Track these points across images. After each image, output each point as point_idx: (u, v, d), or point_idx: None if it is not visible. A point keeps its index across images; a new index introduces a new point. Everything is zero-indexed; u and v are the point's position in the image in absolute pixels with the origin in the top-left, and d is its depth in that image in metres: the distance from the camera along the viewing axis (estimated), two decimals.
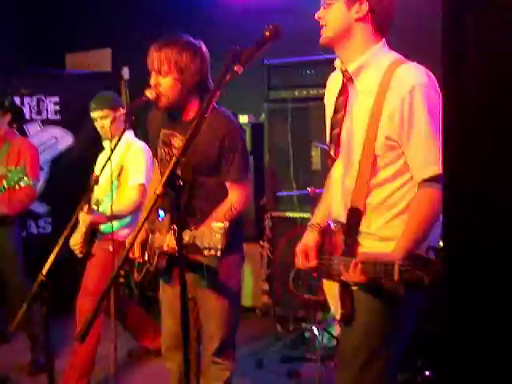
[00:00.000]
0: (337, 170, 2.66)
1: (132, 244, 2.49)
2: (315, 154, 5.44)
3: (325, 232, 2.76)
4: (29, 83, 6.27)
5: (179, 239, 2.34)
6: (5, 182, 4.11)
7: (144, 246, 3.31)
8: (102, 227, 4.32)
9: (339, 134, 2.61)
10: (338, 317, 2.62)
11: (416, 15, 5.10)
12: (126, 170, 4.48)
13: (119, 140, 3.16)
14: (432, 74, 2.46)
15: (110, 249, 4.15)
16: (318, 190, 4.46)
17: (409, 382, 4.17)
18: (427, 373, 4.18)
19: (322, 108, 2.89)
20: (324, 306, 2.73)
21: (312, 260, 2.73)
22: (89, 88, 5.92)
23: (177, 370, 3.43)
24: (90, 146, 5.91)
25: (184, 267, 2.40)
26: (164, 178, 2.19)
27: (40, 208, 6.32)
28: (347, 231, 2.58)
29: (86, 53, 7.69)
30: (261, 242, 5.91)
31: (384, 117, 2.44)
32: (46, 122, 6.44)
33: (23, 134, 5.90)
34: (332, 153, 2.67)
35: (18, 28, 7.66)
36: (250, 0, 6.59)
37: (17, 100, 6.12)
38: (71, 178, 5.96)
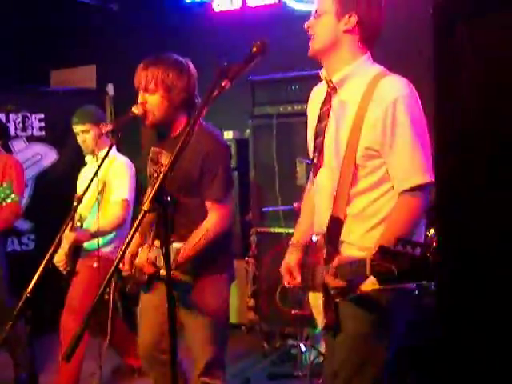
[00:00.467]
0: (322, 177, 2.68)
1: (122, 256, 2.47)
2: (300, 169, 5.43)
3: (308, 247, 2.78)
4: (14, 100, 6.27)
5: (167, 255, 2.33)
6: None
7: (134, 258, 3.32)
8: (86, 244, 4.29)
9: (323, 142, 2.64)
10: (321, 326, 2.63)
11: (403, 27, 5.13)
12: (108, 186, 4.46)
13: (106, 155, 3.15)
14: (413, 86, 2.50)
15: (95, 265, 4.14)
16: None
17: None
18: None
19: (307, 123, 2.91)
20: (311, 322, 2.73)
21: (297, 276, 2.74)
22: (74, 104, 5.86)
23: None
24: (74, 162, 5.88)
25: (170, 285, 2.38)
26: (152, 194, 2.19)
27: (23, 225, 6.27)
28: (328, 240, 2.59)
29: (71, 69, 7.70)
30: (246, 258, 5.89)
31: (366, 127, 2.46)
32: (31, 139, 6.43)
33: (8, 150, 5.87)
34: (316, 161, 2.69)
35: (3, 45, 7.64)
36: (236, 17, 6.64)
37: (2, 117, 6.11)
38: (55, 195, 5.93)
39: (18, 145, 6.33)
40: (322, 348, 4.73)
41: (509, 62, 1.19)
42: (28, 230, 6.36)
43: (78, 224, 4.26)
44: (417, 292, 4.12)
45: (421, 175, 2.43)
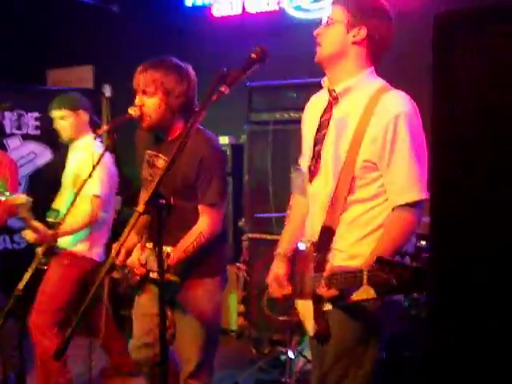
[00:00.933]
0: (317, 185, 2.69)
1: (118, 251, 2.47)
2: (294, 176, 5.44)
3: (294, 256, 2.80)
4: (10, 98, 6.24)
5: (160, 258, 2.34)
6: None
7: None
8: (59, 242, 4.25)
9: (320, 152, 2.65)
10: (311, 334, 2.63)
11: (405, 43, 5.14)
12: (81, 179, 4.15)
13: (102, 156, 3.13)
14: (414, 103, 2.52)
15: (65, 262, 4.12)
16: None
17: None
18: None
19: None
20: (300, 329, 2.74)
21: (287, 286, 2.76)
22: None
23: None
24: None
25: (162, 287, 2.39)
26: (147, 196, 2.20)
27: (16, 223, 6.23)
28: (318, 247, 2.61)
29: (67, 69, 7.68)
30: (237, 264, 5.88)
31: (366, 140, 2.49)
32: (26, 137, 6.43)
33: (3, 148, 5.88)
34: (312, 168, 2.70)
35: (0, 43, 7.63)
36: (235, 22, 6.65)
37: None
38: (48, 194, 5.88)
39: (12, 142, 6.33)
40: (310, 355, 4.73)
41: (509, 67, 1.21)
42: (20, 229, 6.34)
43: (50, 219, 4.21)
44: (407, 304, 4.17)
45: (417, 192, 2.47)
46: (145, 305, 3.36)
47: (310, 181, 2.73)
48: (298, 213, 2.91)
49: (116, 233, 4.26)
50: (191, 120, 2.37)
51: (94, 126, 4.51)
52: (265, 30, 6.19)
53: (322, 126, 2.67)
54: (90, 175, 3.05)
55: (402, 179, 2.47)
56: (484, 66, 1.32)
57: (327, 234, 2.59)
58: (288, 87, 5.59)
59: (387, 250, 2.44)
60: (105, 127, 3.13)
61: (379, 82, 2.61)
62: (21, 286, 2.96)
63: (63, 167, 4.53)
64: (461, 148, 1.35)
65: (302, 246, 2.85)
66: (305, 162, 2.83)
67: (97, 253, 4.40)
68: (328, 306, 2.57)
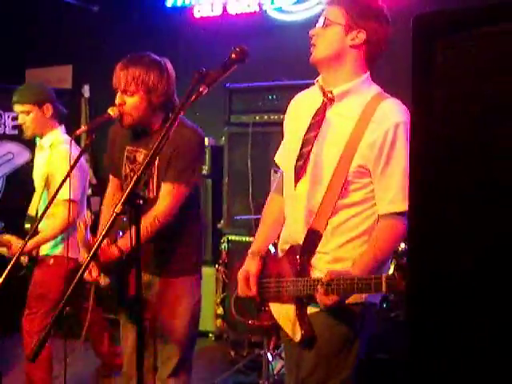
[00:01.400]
0: (302, 188, 2.63)
1: (87, 265, 2.35)
2: (274, 178, 5.44)
3: (267, 258, 2.78)
4: None
5: (138, 260, 2.32)
6: None
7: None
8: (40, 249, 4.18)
9: (309, 153, 2.60)
10: (297, 338, 2.59)
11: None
12: (52, 180, 4.09)
13: (78, 159, 3.07)
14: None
15: (51, 262, 4.07)
16: None
17: None
18: None
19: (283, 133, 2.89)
20: (277, 332, 2.72)
21: (253, 287, 2.74)
22: None
23: None
24: None
25: (140, 291, 2.36)
26: (124, 196, 2.17)
27: None
28: (303, 251, 2.59)
29: (46, 69, 7.62)
30: (216, 266, 5.88)
31: (363, 145, 2.47)
32: (4, 137, 6.39)
33: None
34: (298, 170, 2.64)
35: None
36: (216, 23, 6.65)
37: None
38: (26, 195, 5.85)
39: None
40: None
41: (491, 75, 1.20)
42: None
43: (27, 226, 4.16)
44: (385, 305, 4.19)
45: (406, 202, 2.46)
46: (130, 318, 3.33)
47: (296, 182, 2.66)
48: (274, 211, 2.87)
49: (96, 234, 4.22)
50: (170, 119, 2.32)
51: (61, 117, 4.30)
52: (245, 32, 6.20)
53: (313, 127, 2.62)
54: (64, 181, 2.91)
55: (396, 187, 2.45)
56: (469, 70, 1.31)
57: (313, 237, 2.57)
58: (268, 89, 5.59)
59: (377, 258, 2.48)
60: (83, 128, 3.09)
61: (375, 88, 2.59)
62: None
63: None
64: (440, 148, 1.34)
65: (272, 249, 2.85)
66: (284, 160, 2.80)
67: (77, 252, 4.36)
68: (312, 309, 2.56)
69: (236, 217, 5.62)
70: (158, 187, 3.16)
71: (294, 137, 2.71)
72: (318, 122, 2.61)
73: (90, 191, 5.55)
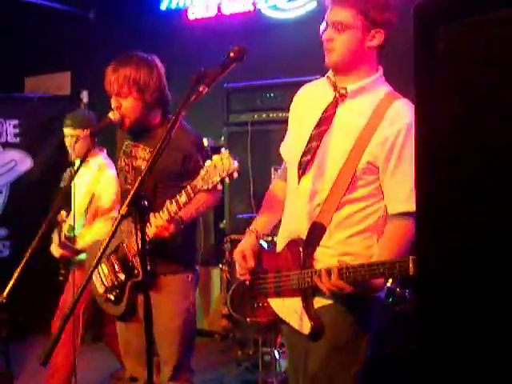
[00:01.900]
0: (308, 181, 2.61)
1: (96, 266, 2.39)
2: (275, 176, 5.45)
3: (262, 254, 2.76)
4: None
5: (143, 261, 2.33)
6: None
7: None
8: (79, 256, 4.24)
9: (317, 147, 2.58)
10: (305, 331, 2.57)
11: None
12: (97, 198, 4.36)
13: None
14: None
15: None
16: None
17: None
18: None
19: (282, 130, 2.89)
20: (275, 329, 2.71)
21: (250, 260, 2.70)
22: (48, 111, 5.92)
23: None
24: (49, 168, 5.88)
25: (147, 289, 2.38)
26: (129, 198, 2.18)
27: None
28: (306, 244, 2.57)
29: (45, 76, 7.66)
30: (220, 266, 5.89)
31: (374, 142, 2.47)
32: (6, 145, 6.40)
33: None
34: (305, 164, 2.61)
35: None
36: (210, 24, 6.66)
37: None
38: (30, 202, 5.92)
39: None
40: None
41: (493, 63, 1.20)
42: (3, 237, 6.32)
43: (69, 234, 4.22)
44: (390, 300, 4.19)
45: None
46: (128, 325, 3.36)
47: (301, 176, 2.64)
48: (277, 195, 2.86)
49: None
50: (171, 121, 2.31)
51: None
52: (240, 31, 6.21)
53: (323, 123, 2.60)
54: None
55: (408, 187, 2.41)
56: (469, 57, 1.31)
57: (318, 230, 2.56)
58: (265, 88, 5.59)
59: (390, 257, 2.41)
60: (85, 132, 3.12)
61: (387, 87, 2.59)
62: (5, 293, 2.94)
63: (43, 174, 4.50)
64: (444, 145, 1.35)
65: (265, 244, 2.84)
66: (289, 152, 2.78)
67: None
68: (324, 302, 2.55)
69: (238, 216, 5.63)
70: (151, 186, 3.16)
71: (301, 130, 2.68)
72: (328, 117, 2.59)
73: None
